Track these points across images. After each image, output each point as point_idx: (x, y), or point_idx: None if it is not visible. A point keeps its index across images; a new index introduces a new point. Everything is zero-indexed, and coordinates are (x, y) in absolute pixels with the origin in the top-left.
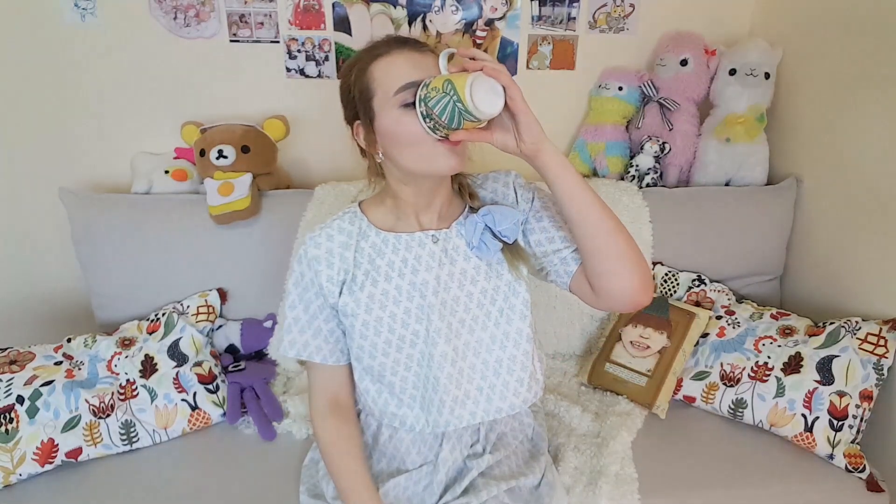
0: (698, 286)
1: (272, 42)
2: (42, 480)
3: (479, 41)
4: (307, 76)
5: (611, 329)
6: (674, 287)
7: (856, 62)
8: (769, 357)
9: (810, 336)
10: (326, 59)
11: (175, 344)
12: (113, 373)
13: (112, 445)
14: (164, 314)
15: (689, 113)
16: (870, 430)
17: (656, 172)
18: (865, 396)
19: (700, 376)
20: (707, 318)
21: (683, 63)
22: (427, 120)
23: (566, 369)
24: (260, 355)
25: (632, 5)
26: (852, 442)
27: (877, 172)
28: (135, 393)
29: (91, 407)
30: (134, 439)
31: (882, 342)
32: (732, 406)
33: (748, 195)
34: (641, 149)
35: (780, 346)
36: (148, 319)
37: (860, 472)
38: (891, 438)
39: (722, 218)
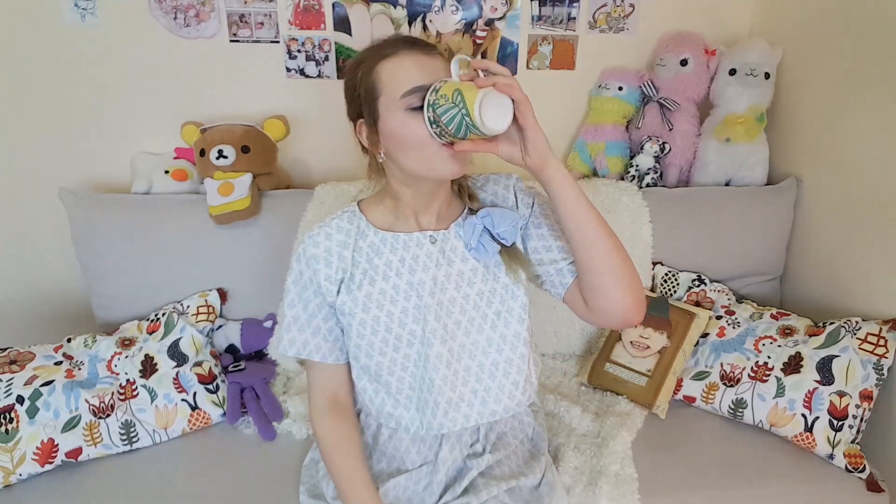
0: (698, 286)
1: (272, 42)
2: (42, 480)
3: (479, 41)
4: (307, 76)
5: (611, 329)
6: (674, 287)
7: (856, 62)
8: (769, 357)
9: (810, 336)
10: (326, 59)
11: (175, 344)
12: (113, 373)
13: (112, 445)
14: (164, 314)
15: (689, 113)
16: (870, 430)
17: (656, 172)
18: (865, 396)
19: (700, 376)
20: (707, 318)
21: (683, 63)
22: (433, 126)
23: (566, 369)
24: (260, 355)
25: (632, 5)
26: (852, 442)
27: (877, 172)
28: (135, 393)
29: (91, 407)
30: (134, 439)
31: (882, 342)
32: (732, 406)
33: (748, 195)
34: (641, 149)
35: (780, 346)
36: (148, 319)
37: (860, 472)
38: (891, 438)
39: (722, 218)
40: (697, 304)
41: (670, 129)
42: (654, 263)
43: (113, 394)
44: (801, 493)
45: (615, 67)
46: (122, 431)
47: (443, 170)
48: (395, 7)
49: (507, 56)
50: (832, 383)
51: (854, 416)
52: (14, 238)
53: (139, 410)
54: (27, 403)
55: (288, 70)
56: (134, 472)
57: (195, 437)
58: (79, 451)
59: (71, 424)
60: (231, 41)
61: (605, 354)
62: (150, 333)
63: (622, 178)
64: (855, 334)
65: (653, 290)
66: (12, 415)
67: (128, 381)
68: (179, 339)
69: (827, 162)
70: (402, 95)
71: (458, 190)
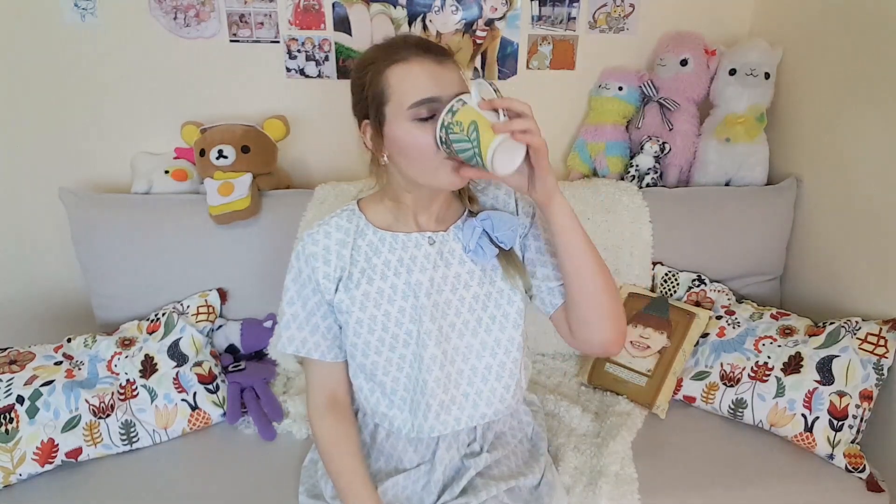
0: (698, 286)
1: (272, 42)
2: (42, 480)
3: (479, 41)
4: (307, 76)
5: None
6: (674, 287)
7: (856, 62)
8: (769, 357)
9: (810, 336)
10: (326, 59)
11: (175, 344)
12: (113, 373)
13: (112, 445)
14: (164, 314)
15: (689, 113)
16: (870, 430)
17: (656, 172)
18: (865, 396)
19: (700, 376)
20: (707, 318)
21: (683, 63)
22: (443, 144)
23: (566, 369)
24: (260, 355)
25: (632, 5)
26: (852, 442)
27: (877, 172)
28: (135, 393)
29: (91, 407)
30: (134, 439)
31: (882, 342)
32: (732, 406)
33: (748, 195)
34: (641, 149)
35: (780, 346)
36: (148, 319)
37: (860, 472)
38: (891, 438)
39: (722, 218)
40: (697, 304)
41: (670, 129)
42: (654, 263)
43: (113, 394)
44: (801, 493)
45: (615, 67)
46: (122, 431)
47: (444, 181)
48: (395, 7)
49: (507, 56)
50: (832, 383)
51: (854, 416)
52: (14, 238)
53: (139, 410)
54: (27, 403)
55: (288, 70)
56: (134, 472)
57: (195, 437)
58: (79, 451)
59: (71, 424)
60: (231, 41)
61: None
62: (150, 333)
63: (622, 178)
64: (855, 334)
65: (653, 290)
66: (12, 415)
67: (128, 381)
68: (179, 339)
69: (827, 162)
70: (410, 106)
71: (458, 192)
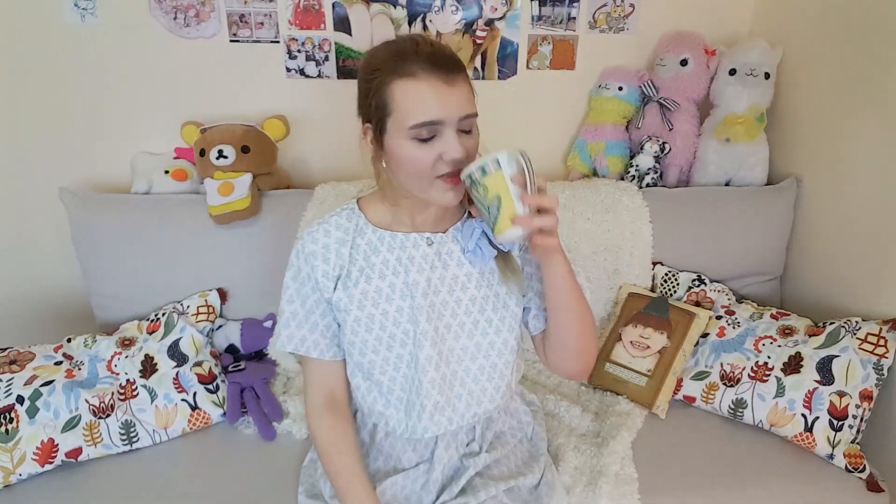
0: (698, 286)
1: (272, 42)
2: (42, 480)
3: (479, 41)
4: (307, 76)
5: (611, 329)
6: (674, 287)
7: (856, 62)
8: (769, 357)
9: (810, 336)
10: (326, 59)
11: (175, 344)
12: (113, 373)
13: (112, 445)
14: (164, 314)
15: (689, 113)
16: (870, 430)
17: (656, 172)
18: (865, 396)
19: (700, 376)
20: (707, 318)
21: (683, 63)
22: (465, 184)
23: None
24: (260, 355)
25: (632, 5)
26: (852, 442)
27: (876, 172)
28: (135, 393)
29: (91, 407)
30: (134, 439)
31: (882, 342)
32: (732, 406)
33: (748, 195)
34: (641, 149)
35: (780, 346)
36: (148, 319)
37: (860, 472)
38: (891, 438)
39: (722, 218)
40: (697, 304)
41: (670, 129)
42: (654, 263)
43: (113, 394)
44: (801, 493)
45: (615, 67)
46: (122, 431)
47: (439, 199)
48: (395, 7)
49: (507, 56)
50: (832, 383)
51: (854, 416)
52: (14, 238)
53: (139, 410)
54: (27, 403)
55: (288, 70)
56: (134, 472)
57: (195, 437)
58: (79, 451)
59: (71, 424)
60: (231, 41)
61: (605, 354)
62: (150, 333)
63: (622, 178)
64: (855, 334)
65: (653, 290)
66: (12, 415)
67: (128, 381)
68: (179, 339)
69: (827, 162)
70: (411, 127)
71: None
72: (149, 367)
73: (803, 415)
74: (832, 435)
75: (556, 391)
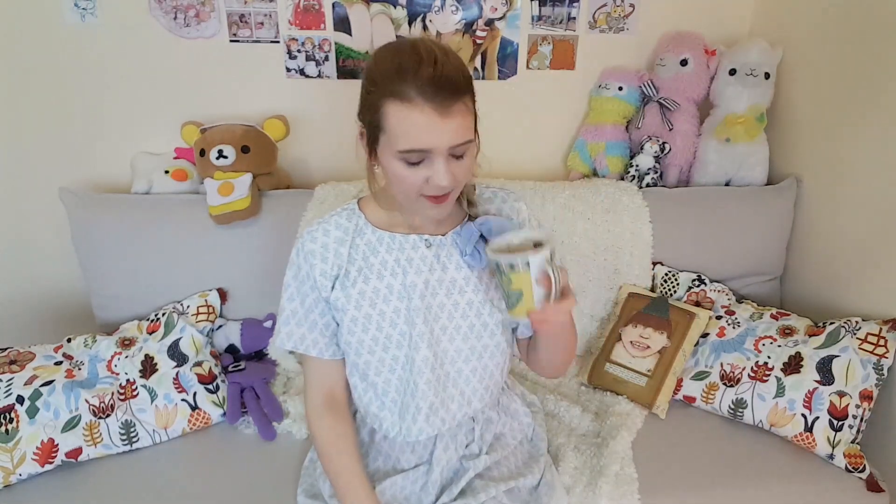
0: (698, 286)
1: (272, 42)
2: (42, 480)
3: (479, 41)
4: (307, 76)
5: (611, 329)
6: (674, 287)
7: (856, 62)
8: (769, 357)
9: (810, 336)
10: (326, 59)
11: (175, 344)
12: (113, 373)
13: (112, 445)
14: (164, 314)
15: (689, 113)
16: (870, 430)
17: (656, 172)
18: (865, 396)
19: (700, 376)
20: (707, 318)
21: (683, 63)
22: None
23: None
24: (260, 355)
25: (632, 5)
26: (852, 442)
27: (876, 172)
28: (135, 393)
29: (91, 407)
30: (134, 439)
31: (882, 342)
32: (732, 406)
33: (748, 195)
34: (641, 149)
35: (780, 346)
36: (148, 319)
37: (860, 472)
38: (891, 438)
39: (722, 218)
40: (697, 304)
41: (670, 129)
42: (654, 263)
43: (113, 394)
44: (801, 493)
45: (615, 67)
46: (122, 431)
47: (424, 214)
48: (395, 7)
49: (507, 56)
50: (832, 383)
51: (854, 416)
52: (14, 238)
53: (139, 410)
54: (27, 403)
55: (288, 70)
56: (134, 472)
57: (195, 437)
58: (79, 451)
59: (71, 424)
60: (231, 41)
61: (605, 354)
62: (150, 333)
63: (622, 178)
64: (855, 334)
65: (653, 290)
66: (12, 415)
67: (128, 381)
68: (179, 339)
69: (827, 162)
70: (400, 150)
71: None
72: (149, 367)
73: (803, 415)
74: (832, 435)
75: (556, 391)
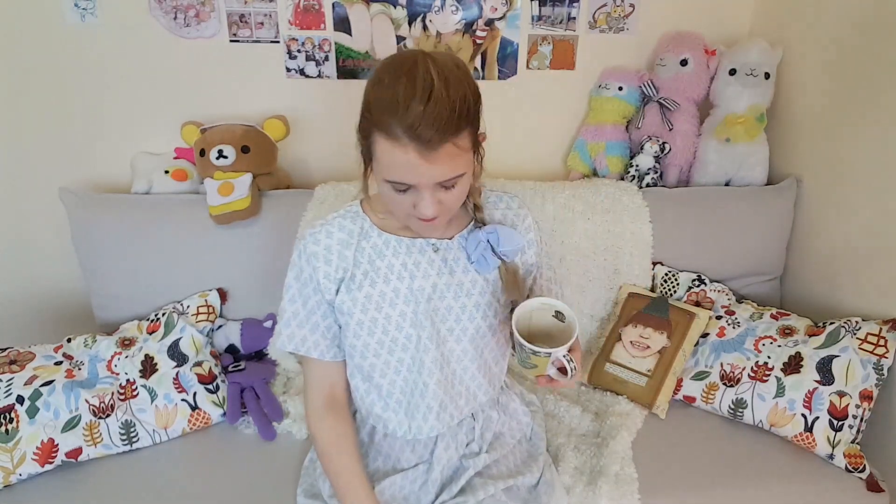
0: (698, 286)
1: (272, 42)
2: (42, 480)
3: (479, 41)
4: (307, 76)
5: (611, 329)
6: (674, 287)
7: (856, 62)
8: (769, 357)
9: (810, 336)
10: (326, 59)
11: (175, 344)
12: (113, 373)
13: (112, 445)
14: (164, 314)
15: (689, 113)
16: (870, 430)
17: (656, 172)
18: (865, 396)
19: (700, 376)
20: (707, 318)
21: (683, 63)
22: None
23: None
24: (260, 355)
25: (632, 5)
26: (852, 442)
27: (876, 172)
28: (135, 393)
29: (91, 407)
30: (134, 439)
31: (882, 342)
32: (732, 406)
33: (748, 195)
34: (641, 149)
35: (780, 346)
36: (148, 319)
37: (860, 472)
38: (891, 438)
39: (722, 218)
40: (697, 304)
41: (670, 129)
42: (654, 263)
43: (113, 394)
44: (801, 493)
45: (615, 67)
46: (122, 431)
47: (417, 230)
48: (395, 7)
49: (507, 56)
50: (832, 383)
51: (854, 416)
52: (14, 238)
53: (139, 410)
54: (27, 403)
55: (288, 70)
56: (134, 472)
57: (195, 437)
58: (79, 451)
59: (71, 424)
60: (231, 41)
61: (605, 354)
62: (150, 333)
63: (622, 178)
64: (855, 334)
65: (653, 290)
66: (12, 415)
67: (128, 381)
68: (179, 339)
69: (827, 162)
70: (387, 180)
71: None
72: (149, 367)
73: (803, 415)
74: (832, 435)
75: (556, 391)
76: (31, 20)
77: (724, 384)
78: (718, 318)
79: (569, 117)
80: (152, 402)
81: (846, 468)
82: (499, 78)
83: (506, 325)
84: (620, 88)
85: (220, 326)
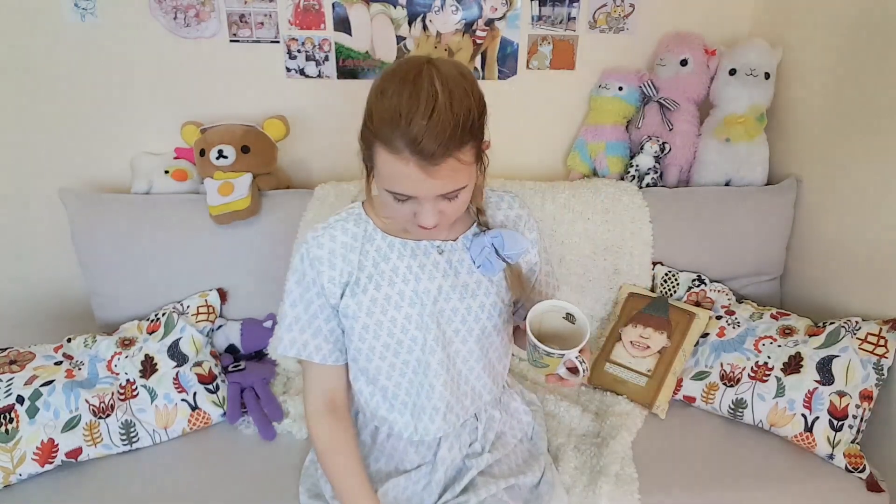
0: (698, 286)
1: (272, 42)
2: (42, 480)
3: (479, 41)
4: (307, 76)
5: (611, 329)
6: (674, 287)
7: (856, 62)
8: (769, 357)
9: (810, 336)
10: (326, 59)
11: (175, 344)
12: (113, 373)
13: (112, 445)
14: (164, 314)
15: (689, 113)
16: (870, 430)
17: (656, 172)
18: (865, 396)
19: (700, 376)
20: (707, 318)
21: (683, 63)
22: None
23: None
24: (260, 355)
25: (632, 5)
26: (852, 442)
27: (876, 172)
28: (135, 393)
29: (91, 407)
30: (134, 439)
31: (882, 342)
32: (732, 406)
33: (748, 195)
34: (641, 149)
35: (780, 346)
36: (148, 319)
37: (860, 472)
38: (891, 438)
39: (722, 218)
40: (697, 304)
41: (670, 129)
42: (654, 263)
43: (113, 394)
44: (800, 493)
45: (615, 67)
46: (122, 431)
47: (413, 234)
48: (395, 7)
49: (507, 56)
50: (832, 383)
51: (854, 416)
52: (14, 238)
53: (139, 410)
54: (27, 403)
55: (288, 70)
56: (134, 472)
57: (195, 437)
58: (79, 451)
59: (71, 424)
60: (231, 41)
61: (605, 354)
62: (150, 333)
63: (622, 178)
64: (855, 334)
65: (653, 290)
66: (12, 415)
67: (128, 381)
68: (179, 339)
69: (827, 162)
70: (387, 190)
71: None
72: (149, 367)
73: (803, 415)
74: (832, 435)
75: (556, 391)
76: (31, 20)
77: (724, 384)
78: (718, 318)
79: (569, 117)
80: (152, 402)
81: (846, 468)
82: (499, 78)
83: (510, 324)
84: (620, 88)
85: (220, 326)
